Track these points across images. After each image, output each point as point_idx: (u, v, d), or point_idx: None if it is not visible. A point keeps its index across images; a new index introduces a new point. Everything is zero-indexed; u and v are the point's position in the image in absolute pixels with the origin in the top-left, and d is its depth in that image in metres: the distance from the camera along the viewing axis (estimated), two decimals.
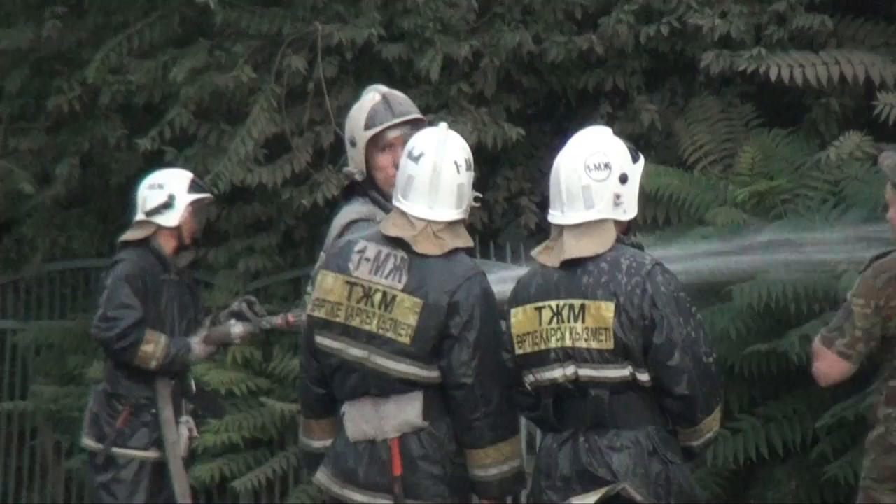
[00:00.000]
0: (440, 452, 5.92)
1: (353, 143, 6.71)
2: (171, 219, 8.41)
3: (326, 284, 6.08)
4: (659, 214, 9.68)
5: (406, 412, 5.91)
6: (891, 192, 6.18)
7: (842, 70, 9.67)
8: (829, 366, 6.13)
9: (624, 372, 5.61)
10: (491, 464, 5.95)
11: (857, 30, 10.05)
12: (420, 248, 5.92)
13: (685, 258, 7.82)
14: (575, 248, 5.72)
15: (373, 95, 6.86)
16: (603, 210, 5.72)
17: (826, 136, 9.61)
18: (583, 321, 5.66)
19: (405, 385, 5.90)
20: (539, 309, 5.75)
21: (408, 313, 5.89)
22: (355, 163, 6.77)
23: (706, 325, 6.24)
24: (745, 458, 8.95)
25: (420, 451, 5.89)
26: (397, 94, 6.96)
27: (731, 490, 9.34)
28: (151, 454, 8.31)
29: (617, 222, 5.76)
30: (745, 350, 8.61)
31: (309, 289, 6.72)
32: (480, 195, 6.38)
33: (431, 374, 5.86)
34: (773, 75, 9.56)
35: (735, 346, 8.69)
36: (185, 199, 8.46)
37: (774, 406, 8.84)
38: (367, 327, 5.94)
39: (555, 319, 5.73)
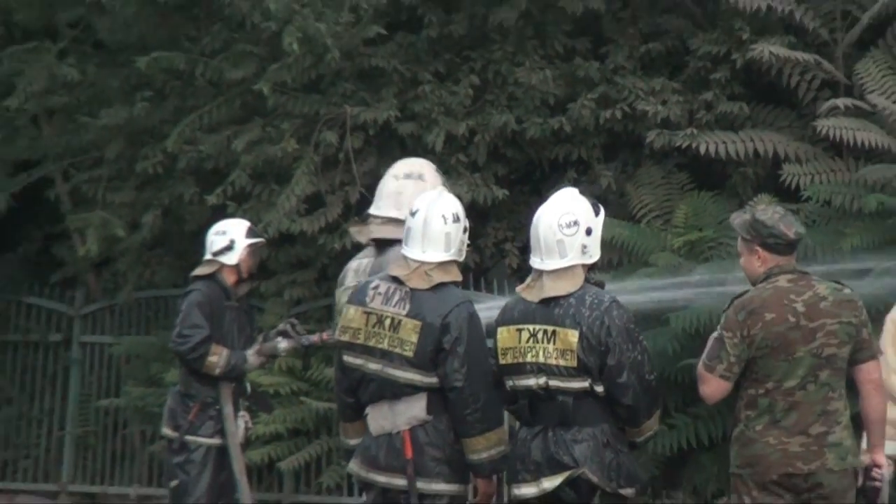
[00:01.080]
0: (441, 440, 5.89)
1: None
2: (232, 258, 8.43)
3: (349, 315, 6.07)
4: (613, 258, 9.60)
5: (414, 409, 5.89)
6: (741, 244, 6.09)
7: (755, 146, 9.74)
8: (714, 388, 5.96)
9: (584, 384, 5.63)
10: (482, 449, 5.88)
11: (767, 114, 10.10)
12: (411, 283, 5.91)
13: (635, 292, 8.05)
14: (552, 288, 5.76)
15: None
16: (573, 258, 5.75)
17: (743, 197, 9.68)
18: (554, 343, 5.70)
19: (411, 389, 5.88)
20: (520, 330, 5.78)
21: (410, 333, 5.86)
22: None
23: (650, 346, 6.25)
24: (678, 447, 9.01)
25: (426, 438, 5.87)
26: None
27: (668, 472, 9.42)
28: (216, 441, 8.37)
29: (584, 265, 5.80)
30: (679, 363, 8.59)
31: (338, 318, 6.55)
32: (469, 242, 6.27)
33: (431, 379, 5.83)
34: (702, 150, 9.60)
35: (671, 360, 8.70)
36: (243, 242, 8.44)
37: (702, 407, 8.76)
38: (380, 346, 5.93)
39: (531, 339, 5.76)
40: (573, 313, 5.69)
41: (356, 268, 6.72)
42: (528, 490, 5.76)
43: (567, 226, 5.80)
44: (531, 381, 5.73)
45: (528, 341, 5.77)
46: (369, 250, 6.72)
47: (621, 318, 5.70)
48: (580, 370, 5.65)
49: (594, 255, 5.84)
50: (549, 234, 5.80)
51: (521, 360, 5.78)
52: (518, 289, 6.01)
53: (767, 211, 6.11)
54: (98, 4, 10.83)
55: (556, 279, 5.77)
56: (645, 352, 5.80)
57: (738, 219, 6.15)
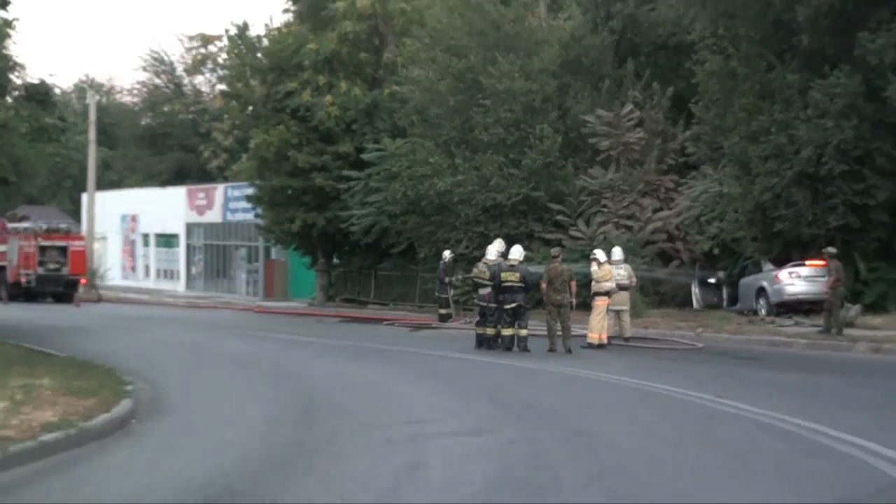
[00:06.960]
0: (524, 295, 13.49)
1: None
2: (447, 260, 19.21)
3: (479, 266, 13.92)
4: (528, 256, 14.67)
5: (520, 295, 13.45)
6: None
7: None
8: (544, 288, 12.82)
9: (521, 284, 13.29)
10: (529, 296, 12.99)
11: None
12: (510, 263, 13.24)
13: (534, 266, 15.54)
14: (514, 260, 13.04)
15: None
16: (519, 258, 13.19)
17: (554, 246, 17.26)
18: (513, 275, 13.27)
19: (519, 288, 13.37)
20: (505, 272, 13.40)
21: (516, 276, 13.28)
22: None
23: (536, 278, 14.00)
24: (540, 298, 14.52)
25: (521, 299, 13.43)
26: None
27: (537, 303, 15.74)
28: (446, 296, 19.28)
29: (520, 260, 13.04)
30: (540, 280, 13.54)
31: (474, 269, 14.19)
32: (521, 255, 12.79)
33: (523, 285, 13.28)
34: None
35: (539, 279, 14.27)
36: (448, 257, 18.97)
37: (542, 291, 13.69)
38: (511, 278, 13.24)
39: (509, 273, 13.32)
40: (518, 268, 13.08)
41: (483, 260, 13.93)
42: (508, 306, 13.27)
43: (520, 253, 13.46)
44: (509, 283, 13.36)
45: (507, 275, 13.26)
46: (486, 258, 13.72)
47: (527, 271, 13.05)
48: (519, 281, 13.17)
49: (521, 258, 13.37)
50: (515, 252, 13.53)
51: (506, 280, 13.30)
52: (504, 264, 13.45)
53: (555, 252, 13.79)
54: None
55: (516, 261, 13.24)
56: (534, 278, 13.00)
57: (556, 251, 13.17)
